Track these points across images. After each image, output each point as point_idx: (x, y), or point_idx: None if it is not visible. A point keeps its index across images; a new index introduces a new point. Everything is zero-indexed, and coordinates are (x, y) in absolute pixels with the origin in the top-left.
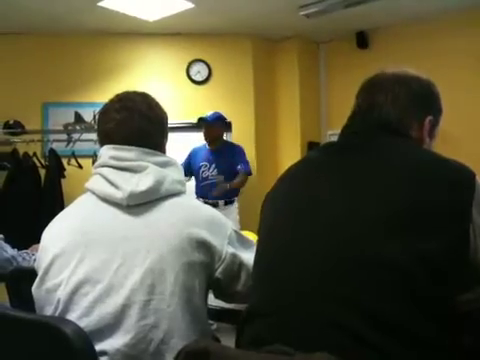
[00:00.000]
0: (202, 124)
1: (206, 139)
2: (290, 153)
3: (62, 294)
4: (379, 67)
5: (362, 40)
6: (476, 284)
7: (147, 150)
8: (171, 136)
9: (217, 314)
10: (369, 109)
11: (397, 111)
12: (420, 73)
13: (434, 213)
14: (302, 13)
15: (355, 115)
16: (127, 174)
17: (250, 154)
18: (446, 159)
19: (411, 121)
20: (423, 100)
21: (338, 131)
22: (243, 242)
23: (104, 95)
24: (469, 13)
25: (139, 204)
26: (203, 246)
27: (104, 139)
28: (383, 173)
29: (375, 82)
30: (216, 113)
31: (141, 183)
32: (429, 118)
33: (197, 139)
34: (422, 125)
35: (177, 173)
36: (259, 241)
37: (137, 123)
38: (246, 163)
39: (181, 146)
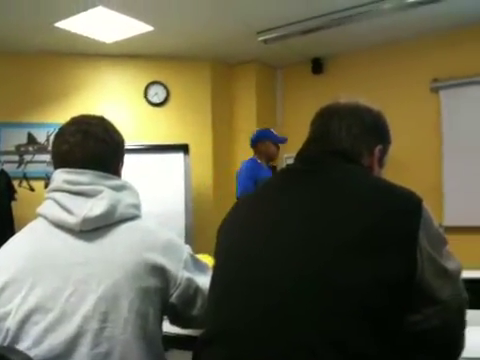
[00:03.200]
0: (275, 142)
1: (274, 158)
2: None
3: (11, 323)
4: (333, 93)
5: (317, 66)
6: (423, 306)
7: (101, 173)
8: (128, 158)
9: (172, 340)
10: (323, 136)
11: (350, 139)
12: (371, 104)
13: (385, 238)
14: (260, 39)
15: (310, 141)
16: (80, 198)
17: (207, 177)
18: (395, 186)
19: (362, 149)
20: (374, 130)
21: (294, 154)
22: (199, 266)
23: (59, 116)
24: (419, 41)
25: (93, 229)
26: (158, 271)
27: (58, 162)
28: (337, 199)
29: (329, 111)
30: None
31: (95, 207)
32: (379, 147)
33: (154, 161)
34: (372, 154)
35: (132, 197)
36: (216, 265)
37: (92, 146)
38: None
39: (137, 169)
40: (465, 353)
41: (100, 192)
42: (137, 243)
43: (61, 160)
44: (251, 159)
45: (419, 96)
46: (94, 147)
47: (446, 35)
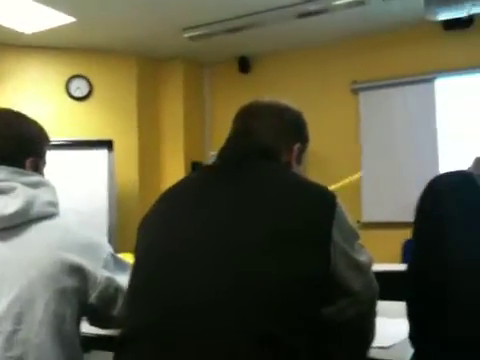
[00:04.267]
0: None
1: None
2: (174, 172)
3: None
4: (260, 92)
5: (244, 65)
6: (337, 297)
7: (16, 169)
8: (48, 154)
9: (93, 341)
10: (245, 134)
11: (270, 137)
12: (292, 104)
13: (301, 234)
14: (186, 35)
15: (232, 139)
16: None
17: (133, 174)
18: (311, 183)
19: (281, 147)
20: (293, 128)
21: None
22: (120, 265)
23: None
24: (342, 43)
25: (7, 228)
26: (76, 271)
27: None
28: (256, 196)
29: (250, 110)
30: None
31: (9, 205)
32: (297, 145)
33: (76, 157)
34: (291, 151)
35: (49, 194)
36: (135, 263)
37: None
38: None
39: (59, 165)
40: (376, 342)
41: (14, 189)
42: (54, 242)
43: None
44: None
45: (340, 97)
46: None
47: (366, 39)
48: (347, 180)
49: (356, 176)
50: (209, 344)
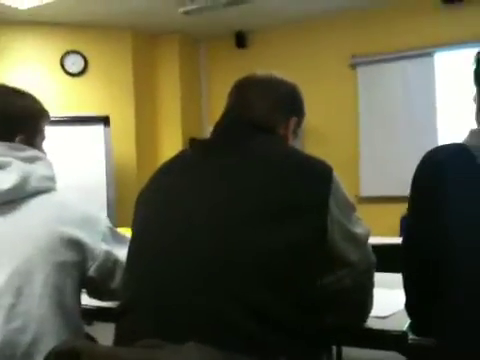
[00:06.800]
0: None
1: None
2: (171, 148)
3: None
4: (257, 67)
5: (241, 40)
6: (335, 268)
7: (11, 144)
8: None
9: (96, 313)
10: (240, 107)
11: (265, 110)
12: (287, 77)
13: (298, 205)
14: (181, 10)
15: (227, 113)
16: None
17: (130, 149)
18: (307, 155)
19: (278, 120)
20: (288, 102)
21: None
22: (119, 239)
23: None
24: (340, 18)
25: (3, 203)
26: (75, 245)
27: None
28: (253, 168)
29: (246, 83)
30: None
31: (4, 180)
32: (294, 119)
33: (73, 133)
34: (287, 124)
35: (46, 169)
36: (133, 237)
37: None
38: None
39: (56, 141)
40: (373, 312)
41: (9, 164)
42: (52, 216)
43: None
44: None
45: (339, 71)
46: None
47: (365, 13)
48: None
49: None
50: (203, 318)
